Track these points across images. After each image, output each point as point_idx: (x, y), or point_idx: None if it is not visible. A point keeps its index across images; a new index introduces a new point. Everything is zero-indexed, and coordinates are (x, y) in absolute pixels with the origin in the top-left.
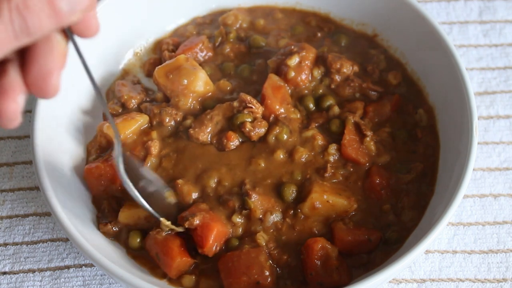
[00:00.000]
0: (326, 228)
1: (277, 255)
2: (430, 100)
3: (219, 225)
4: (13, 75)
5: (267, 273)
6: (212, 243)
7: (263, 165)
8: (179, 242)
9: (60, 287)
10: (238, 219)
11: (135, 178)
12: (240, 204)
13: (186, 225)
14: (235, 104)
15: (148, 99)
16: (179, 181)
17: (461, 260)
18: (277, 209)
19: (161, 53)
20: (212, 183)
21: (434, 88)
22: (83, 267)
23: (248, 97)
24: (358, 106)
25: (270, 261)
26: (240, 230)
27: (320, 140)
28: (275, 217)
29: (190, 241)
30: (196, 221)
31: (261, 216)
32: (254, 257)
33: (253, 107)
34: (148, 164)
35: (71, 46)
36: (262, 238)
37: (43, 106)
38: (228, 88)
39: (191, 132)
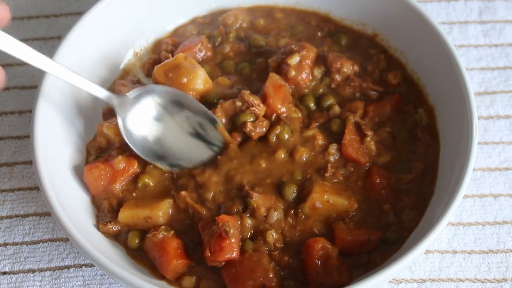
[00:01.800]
0: (326, 228)
1: (278, 256)
2: (430, 100)
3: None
4: None
5: (272, 275)
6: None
7: (264, 165)
8: (176, 244)
9: (60, 287)
10: (248, 222)
11: (178, 106)
12: (243, 207)
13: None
14: (238, 103)
15: None
16: (183, 193)
17: (461, 260)
18: (279, 205)
19: (160, 53)
20: (209, 194)
21: (434, 88)
22: (83, 267)
23: (251, 98)
24: (359, 105)
25: (273, 263)
26: (250, 233)
27: (320, 140)
28: (278, 214)
29: (189, 241)
30: (231, 231)
31: (265, 214)
32: (257, 261)
33: (256, 109)
34: (151, 166)
35: None
36: (271, 236)
37: (43, 106)
38: (228, 85)
39: None
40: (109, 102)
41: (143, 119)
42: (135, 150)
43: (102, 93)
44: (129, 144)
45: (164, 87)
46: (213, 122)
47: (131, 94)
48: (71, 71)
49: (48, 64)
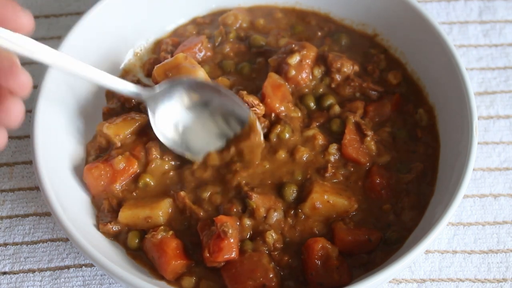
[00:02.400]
0: (326, 228)
1: (278, 256)
2: (430, 100)
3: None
4: None
5: (272, 275)
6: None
7: (267, 166)
8: (175, 244)
9: (60, 287)
10: (247, 223)
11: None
12: (242, 207)
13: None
14: None
15: None
16: (182, 193)
17: (461, 260)
18: (279, 206)
19: (160, 53)
20: (206, 194)
21: (434, 88)
22: (83, 267)
23: (250, 98)
24: (359, 105)
25: (273, 263)
26: (249, 233)
27: (320, 140)
28: (278, 214)
29: (188, 242)
30: (230, 231)
31: (264, 215)
32: (256, 261)
33: (257, 109)
34: (153, 165)
35: None
36: (271, 236)
37: (43, 106)
38: (227, 85)
39: None
40: (138, 97)
41: (172, 112)
42: (165, 143)
43: (131, 88)
44: (159, 137)
45: (192, 78)
46: (240, 114)
47: (160, 87)
48: (98, 70)
49: (67, 61)
